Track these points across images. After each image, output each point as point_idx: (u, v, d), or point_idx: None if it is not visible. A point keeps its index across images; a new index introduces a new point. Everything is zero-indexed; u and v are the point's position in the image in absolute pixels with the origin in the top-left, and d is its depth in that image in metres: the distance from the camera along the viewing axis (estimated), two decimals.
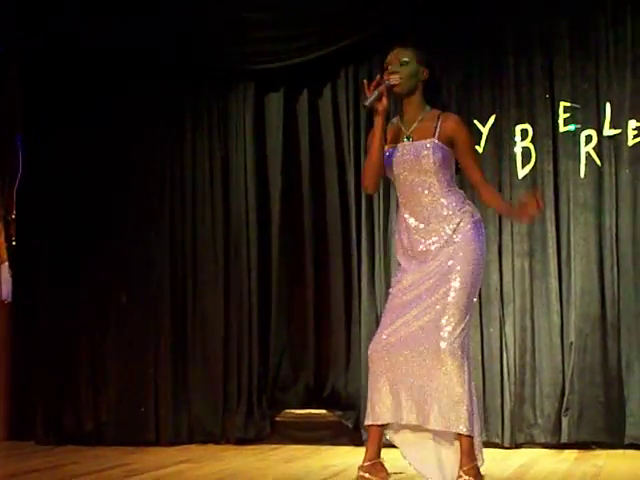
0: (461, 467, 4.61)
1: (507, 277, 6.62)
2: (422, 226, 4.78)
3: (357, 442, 6.71)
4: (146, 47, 7.25)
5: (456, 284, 4.68)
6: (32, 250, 7.54)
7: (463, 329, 4.65)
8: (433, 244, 4.76)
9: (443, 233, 4.75)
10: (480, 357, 6.63)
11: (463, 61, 6.80)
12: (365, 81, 4.79)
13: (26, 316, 7.54)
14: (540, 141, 6.62)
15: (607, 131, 6.49)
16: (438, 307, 4.68)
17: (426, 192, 4.77)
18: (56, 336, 7.39)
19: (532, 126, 6.64)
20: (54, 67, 7.47)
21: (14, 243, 7.57)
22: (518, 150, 6.66)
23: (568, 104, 6.56)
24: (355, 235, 6.96)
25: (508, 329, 6.59)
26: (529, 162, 6.64)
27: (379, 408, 4.73)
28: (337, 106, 7.08)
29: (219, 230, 7.25)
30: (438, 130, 4.76)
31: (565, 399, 6.45)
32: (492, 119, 6.71)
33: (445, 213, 4.76)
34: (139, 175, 7.40)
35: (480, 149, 6.71)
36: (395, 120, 4.90)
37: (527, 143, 6.65)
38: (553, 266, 6.54)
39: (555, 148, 6.60)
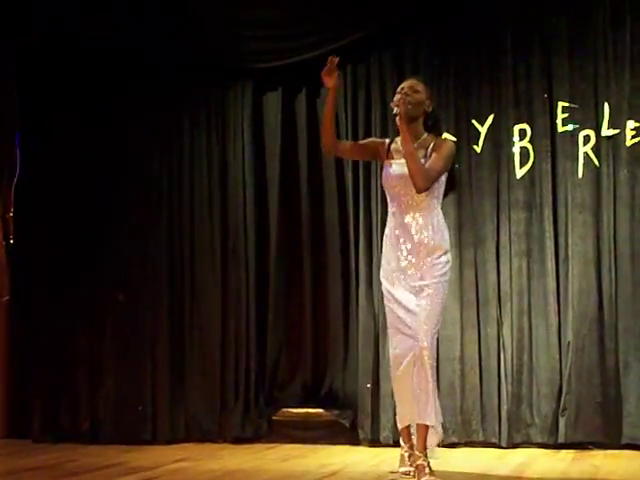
0: (420, 450, 5.27)
1: (504, 277, 6.62)
2: (405, 241, 5.39)
3: (354, 441, 6.73)
4: (144, 46, 7.27)
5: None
6: (30, 249, 7.55)
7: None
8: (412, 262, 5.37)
9: (422, 258, 5.37)
10: (477, 357, 6.63)
11: (461, 61, 6.80)
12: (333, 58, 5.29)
13: (23, 314, 7.54)
14: (538, 141, 6.61)
15: (605, 131, 6.48)
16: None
17: (414, 208, 5.38)
18: (53, 335, 7.40)
19: (530, 126, 6.63)
20: (52, 66, 7.48)
21: (12, 241, 7.57)
22: (516, 150, 6.66)
23: (566, 104, 6.55)
24: (353, 235, 6.96)
25: (505, 329, 6.59)
26: (527, 162, 6.64)
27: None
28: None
29: (217, 229, 7.26)
30: (430, 150, 5.36)
31: (562, 399, 6.44)
32: (490, 119, 6.71)
33: (427, 235, 5.36)
34: (137, 175, 7.40)
35: (478, 149, 6.72)
36: (399, 140, 5.41)
37: (525, 143, 6.64)
38: (551, 266, 6.54)
39: (553, 148, 6.59)
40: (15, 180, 7.54)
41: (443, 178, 5.42)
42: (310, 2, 6.97)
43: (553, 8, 6.64)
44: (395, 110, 5.27)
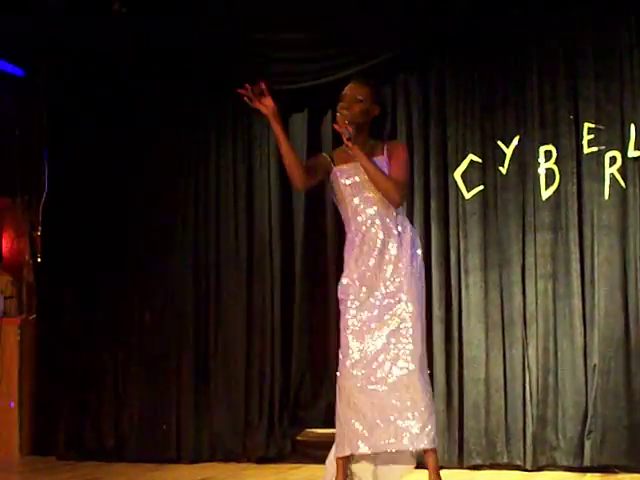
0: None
1: (530, 298, 6.59)
2: (367, 249, 4.97)
3: None
4: (171, 64, 7.31)
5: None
6: (57, 267, 7.60)
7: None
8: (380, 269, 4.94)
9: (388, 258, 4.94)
10: (502, 379, 6.60)
11: (487, 82, 6.80)
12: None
13: (50, 333, 7.59)
14: (564, 162, 6.59)
15: (632, 152, 6.44)
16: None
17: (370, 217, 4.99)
18: (79, 353, 7.45)
19: (556, 147, 6.62)
20: (80, 83, 7.56)
21: (39, 260, 7.62)
22: (542, 171, 6.64)
23: (592, 125, 6.53)
24: None
25: (531, 351, 6.56)
26: (553, 183, 6.62)
27: (350, 439, 4.90)
28: None
29: (242, 246, 7.28)
30: (385, 154, 4.99)
31: (588, 422, 6.39)
32: (516, 140, 6.70)
33: (386, 240, 4.94)
34: (163, 192, 7.45)
35: (504, 170, 6.70)
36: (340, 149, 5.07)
37: (551, 164, 6.63)
38: (576, 288, 6.50)
39: (579, 169, 6.56)
40: (43, 199, 7.59)
41: None
42: (336, 25, 6.97)
43: (579, 29, 6.63)
44: (344, 134, 4.85)
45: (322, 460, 6.82)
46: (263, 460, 7.03)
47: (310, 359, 7.23)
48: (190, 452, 7.18)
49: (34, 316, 7.68)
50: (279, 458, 7.04)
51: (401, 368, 4.84)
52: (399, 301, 4.90)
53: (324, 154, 5.27)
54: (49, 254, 7.64)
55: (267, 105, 4.92)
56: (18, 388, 7.53)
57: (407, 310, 4.89)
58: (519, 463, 6.50)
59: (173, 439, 7.21)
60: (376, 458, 4.99)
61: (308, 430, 7.15)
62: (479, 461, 6.57)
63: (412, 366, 4.84)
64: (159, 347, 7.32)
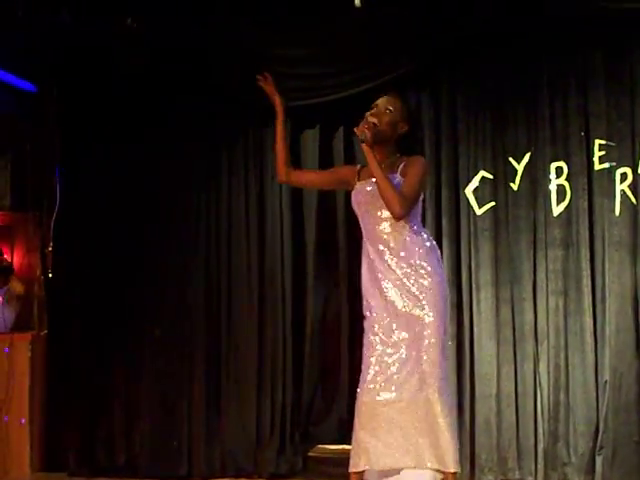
0: None
1: (541, 315, 6.60)
2: (382, 265, 4.86)
3: None
4: (183, 80, 7.32)
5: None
6: (68, 282, 7.60)
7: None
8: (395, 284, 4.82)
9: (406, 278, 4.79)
10: (514, 394, 6.61)
11: (498, 98, 6.82)
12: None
13: (60, 348, 7.59)
14: (575, 179, 6.61)
15: None
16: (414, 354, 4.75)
17: (386, 228, 4.86)
18: (90, 369, 7.44)
19: (567, 164, 6.63)
20: (92, 101, 7.56)
21: (50, 275, 7.63)
22: (553, 188, 6.66)
23: (603, 142, 6.55)
24: None
25: (542, 367, 6.57)
26: (564, 200, 6.63)
27: (366, 454, 4.80)
28: None
29: (254, 263, 7.29)
30: (400, 168, 4.83)
31: (599, 437, 6.40)
32: (527, 157, 6.72)
33: (405, 255, 4.80)
34: (175, 208, 7.46)
35: (515, 186, 6.72)
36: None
37: (562, 181, 6.64)
38: (587, 304, 6.52)
39: (590, 186, 6.58)
40: (55, 215, 7.60)
41: (421, 196, 4.92)
42: (348, 41, 6.99)
43: (589, 45, 6.66)
44: (361, 136, 4.75)
45: (334, 476, 6.91)
46: (274, 476, 7.03)
47: (322, 375, 7.23)
48: (202, 468, 7.18)
49: (45, 332, 7.68)
50: (290, 474, 7.03)
51: (421, 385, 4.72)
52: (421, 317, 4.76)
53: (355, 167, 5.12)
54: (60, 270, 7.64)
55: (275, 95, 5.13)
56: (29, 404, 7.50)
57: (429, 327, 4.75)
58: (530, 479, 6.51)
59: (184, 455, 7.21)
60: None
61: (320, 446, 7.16)
62: (491, 477, 6.58)
63: (434, 384, 4.72)
64: (170, 363, 7.31)
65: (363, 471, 4.84)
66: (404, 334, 4.78)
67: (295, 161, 7.19)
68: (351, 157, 7.08)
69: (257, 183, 7.34)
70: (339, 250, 7.22)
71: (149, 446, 7.28)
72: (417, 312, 4.76)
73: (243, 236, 7.33)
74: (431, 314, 4.74)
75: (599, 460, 6.37)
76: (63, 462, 7.44)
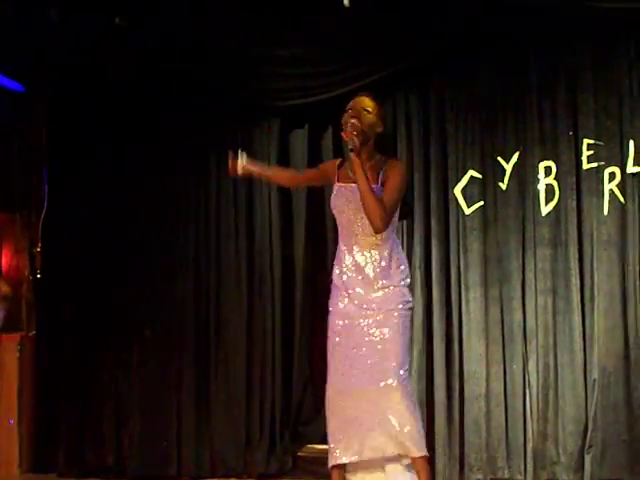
0: None
1: (530, 314, 6.61)
2: (355, 268, 4.96)
3: None
4: (171, 81, 7.31)
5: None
6: (56, 283, 7.59)
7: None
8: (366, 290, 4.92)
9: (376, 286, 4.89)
10: (503, 394, 6.62)
11: (487, 98, 6.83)
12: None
13: (49, 349, 7.58)
14: (564, 178, 6.62)
15: (630, 168, 6.47)
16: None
17: (363, 233, 4.89)
18: (79, 369, 7.43)
19: (556, 163, 6.64)
20: (80, 102, 7.54)
21: (39, 276, 7.61)
22: (542, 187, 6.67)
23: (592, 141, 6.57)
24: None
25: (531, 366, 6.58)
26: (553, 199, 6.64)
27: (340, 449, 4.90)
28: None
29: (243, 265, 7.29)
30: (381, 177, 4.86)
31: (588, 436, 6.42)
32: (516, 156, 6.73)
33: (381, 264, 4.89)
34: (163, 209, 7.46)
35: (504, 186, 6.73)
36: (347, 163, 4.99)
37: (551, 180, 6.65)
38: (576, 303, 6.53)
39: (579, 185, 6.59)
40: (43, 215, 7.59)
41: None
42: (336, 41, 6.99)
43: (578, 45, 6.66)
44: (349, 144, 4.77)
45: (323, 476, 6.89)
46: (264, 476, 7.04)
47: (311, 375, 7.23)
48: (191, 469, 7.18)
49: (34, 332, 7.66)
50: (280, 474, 7.04)
51: (383, 374, 4.79)
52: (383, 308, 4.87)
53: (336, 162, 5.17)
54: (49, 270, 7.63)
55: (238, 167, 5.13)
56: (18, 405, 7.49)
57: (392, 317, 4.85)
58: (520, 478, 6.53)
59: (174, 456, 7.21)
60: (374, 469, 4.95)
61: (309, 446, 7.15)
62: (480, 476, 6.59)
63: (394, 372, 4.79)
64: (159, 364, 7.31)
65: (344, 465, 4.91)
66: (366, 324, 4.87)
67: (284, 161, 7.26)
68: (340, 157, 7.05)
69: (246, 185, 7.31)
70: (328, 249, 7.20)
71: (138, 446, 7.28)
72: (380, 304, 4.86)
73: (232, 237, 7.33)
74: (392, 306, 4.84)
75: (588, 459, 6.39)
76: (52, 463, 7.44)
